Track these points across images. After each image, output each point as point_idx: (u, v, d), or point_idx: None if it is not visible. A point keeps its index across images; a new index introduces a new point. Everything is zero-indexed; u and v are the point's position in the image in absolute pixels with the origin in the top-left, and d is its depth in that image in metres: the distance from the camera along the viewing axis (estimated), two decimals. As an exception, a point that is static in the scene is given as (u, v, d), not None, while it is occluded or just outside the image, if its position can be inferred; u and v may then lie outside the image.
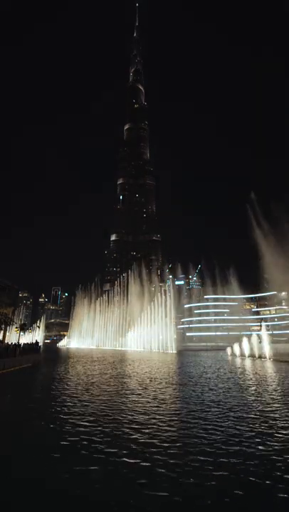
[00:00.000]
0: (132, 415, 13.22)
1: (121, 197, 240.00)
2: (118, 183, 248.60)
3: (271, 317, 79.04)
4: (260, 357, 49.23)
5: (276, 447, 9.40)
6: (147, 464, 8.10)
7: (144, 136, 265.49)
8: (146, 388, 20.36)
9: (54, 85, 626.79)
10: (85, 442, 9.66)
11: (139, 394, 18.34)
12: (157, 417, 12.96)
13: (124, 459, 8.44)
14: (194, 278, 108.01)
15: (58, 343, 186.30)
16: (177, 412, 13.95)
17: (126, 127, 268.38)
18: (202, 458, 8.43)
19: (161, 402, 15.97)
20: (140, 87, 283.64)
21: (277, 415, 13.32)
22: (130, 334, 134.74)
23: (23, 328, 51.55)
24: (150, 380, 24.16)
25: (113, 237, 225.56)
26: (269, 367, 36.04)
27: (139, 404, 15.33)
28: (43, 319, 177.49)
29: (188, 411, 14.01)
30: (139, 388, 20.55)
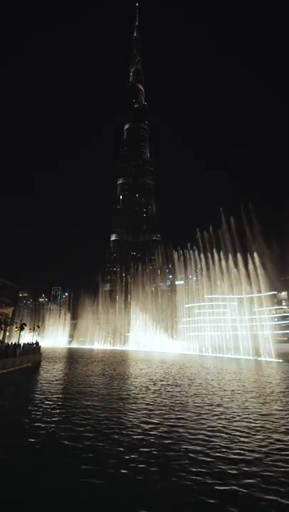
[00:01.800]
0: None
1: (121, 197, 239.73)
2: (118, 183, 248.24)
3: (271, 317, 78.80)
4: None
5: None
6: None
7: (144, 136, 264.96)
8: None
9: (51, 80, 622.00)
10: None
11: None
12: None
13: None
14: (194, 278, 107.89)
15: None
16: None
17: (126, 127, 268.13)
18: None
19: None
20: (140, 87, 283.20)
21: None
22: (131, 335, 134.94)
23: (23, 328, 51.38)
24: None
25: (113, 237, 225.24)
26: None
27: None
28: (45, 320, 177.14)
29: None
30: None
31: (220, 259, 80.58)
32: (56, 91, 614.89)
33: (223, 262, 79.48)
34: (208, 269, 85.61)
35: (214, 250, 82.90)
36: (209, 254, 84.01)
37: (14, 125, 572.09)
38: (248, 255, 72.36)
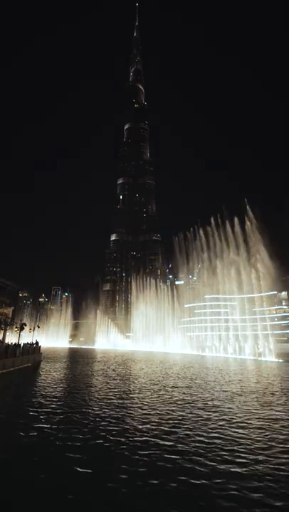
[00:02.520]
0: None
1: (121, 197, 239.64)
2: (118, 183, 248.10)
3: (271, 317, 78.80)
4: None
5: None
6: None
7: (144, 136, 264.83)
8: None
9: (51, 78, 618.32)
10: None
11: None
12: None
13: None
14: (194, 278, 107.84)
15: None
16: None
17: (126, 127, 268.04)
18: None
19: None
20: (140, 87, 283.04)
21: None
22: (132, 335, 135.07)
23: (23, 328, 51.40)
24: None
25: (113, 237, 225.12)
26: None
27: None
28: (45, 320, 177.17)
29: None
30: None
31: (221, 240, 79.99)
32: (56, 91, 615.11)
33: (225, 248, 78.88)
34: (209, 258, 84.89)
35: (216, 239, 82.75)
36: (210, 229, 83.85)
37: (14, 125, 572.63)
38: (249, 254, 72.21)
